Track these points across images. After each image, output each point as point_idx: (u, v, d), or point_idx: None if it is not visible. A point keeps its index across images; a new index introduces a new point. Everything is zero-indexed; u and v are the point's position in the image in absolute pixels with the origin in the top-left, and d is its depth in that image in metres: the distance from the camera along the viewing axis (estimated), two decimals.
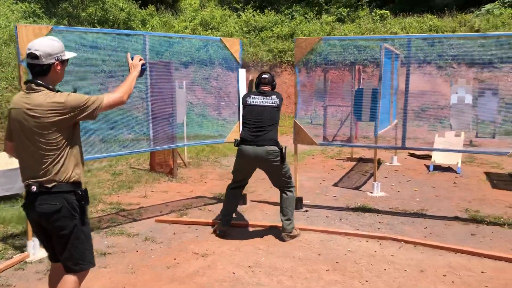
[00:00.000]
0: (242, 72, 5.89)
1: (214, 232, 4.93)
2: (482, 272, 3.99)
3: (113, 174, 7.81)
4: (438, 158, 8.25)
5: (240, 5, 21.65)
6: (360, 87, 9.53)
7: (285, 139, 9.50)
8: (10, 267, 4.10)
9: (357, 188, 6.93)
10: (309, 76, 17.19)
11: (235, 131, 5.96)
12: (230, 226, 4.97)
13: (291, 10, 21.19)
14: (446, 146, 8.01)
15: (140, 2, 18.98)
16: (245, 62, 17.56)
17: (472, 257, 4.30)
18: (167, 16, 19.73)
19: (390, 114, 7.85)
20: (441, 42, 16.05)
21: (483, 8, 19.18)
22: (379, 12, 19.92)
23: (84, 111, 2.66)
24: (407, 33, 17.47)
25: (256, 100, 4.82)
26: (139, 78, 3.08)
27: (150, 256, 4.35)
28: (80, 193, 2.69)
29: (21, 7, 14.79)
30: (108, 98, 2.77)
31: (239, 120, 5.93)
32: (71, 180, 2.67)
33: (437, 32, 17.47)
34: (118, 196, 6.48)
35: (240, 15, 20.66)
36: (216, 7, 21.45)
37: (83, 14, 16.38)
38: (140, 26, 17.96)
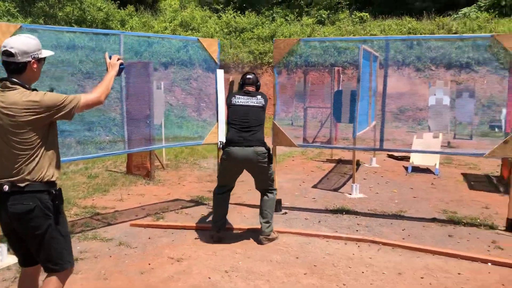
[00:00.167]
0: (220, 73, 5.81)
1: (211, 238, 4.78)
2: (459, 273, 3.98)
3: (89, 177, 7.64)
4: (416, 159, 8.30)
5: (221, 6, 21.57)
6: (340, 88, 9.54)
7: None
8: None
9: (336, 190, 6.91)
10: (290, 77, 17.20)
11: (213, 133, 5.87)
12: (225, 230, 4.85)
13: (271, 11, 21.21)
14: (424, 148, 8.07)
15: (118, 2, 18.73)
16: (225, 63, 17.49)
17: (449, 259, 4.30)
18: (146, 16, 19.54)
19: (368, 116, 7.87)
20: (420, 44, 16.23)
21: (460, 12, 19.51)
22: (358, 15, 20.07)
23: (60, 111, 2.61)
24: (386, 35, 17.62)
25: (241, 100, 4.74)
26: (116, 78, 3.03)
27: (124, 262, 4.23)
28: (54, 192, 2.64)
29: None
30: (85, 98, 2.72)
31: (217, 121, 5.85)
32: (45, 180, 2.61)
33: (415, 35, 17.66)
34: (93, 200, 6.32)
35: (220, 16, 20.58)
36: (197, 8, 21.33)
37: (60, 14, 16.09)
38: (119, 26, 17.73)
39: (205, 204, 6.07)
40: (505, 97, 9.72)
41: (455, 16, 19.29)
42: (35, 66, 2.64)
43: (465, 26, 17.81)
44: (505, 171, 7.35)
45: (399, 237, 4.90)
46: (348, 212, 5.76)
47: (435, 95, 10.86)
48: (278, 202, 5.72)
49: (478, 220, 5.42)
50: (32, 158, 2.58)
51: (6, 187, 2.55)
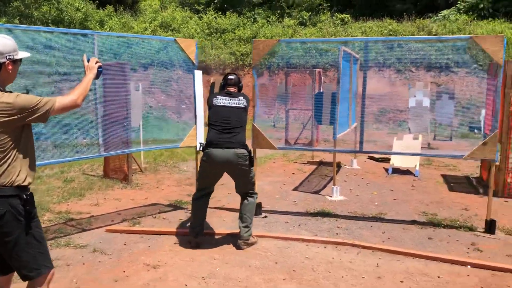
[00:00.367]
0: (198, 74, 5.70)
1: (189, 243, 4.66)
2: (439, 276, 3.95)
3: (65, 181, 7.44)
4: (397, 161, 8.31)
5: (202, 7, 21.42)
6: (320, 90, 9.51)
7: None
8: None
9: (316, 192, 6.86)
10: (272, 79, 17.17)
11: (191, 136, 5.75)
12: (203, 235, 4.73)
13: (253, 13, 21.17)
14: (404, 149, 8.08)
15: (97, 2, 18.44)
16: (207, 65, 17.36)
17: (429, 262, 4.27)
18: (126, 17, 19.28)
19: (349, 118, 7.84)
20: (400, 46, 16.36)
21: (440, 14, 19.75)
22: (340, 17, 20.16)
23: (34, 113, 2.54)
24: (368, 37, 17.72)
25: (222, 101, 4.64)
26: (94, 80, 2.99)
27: (98, 269, 4.09)
28: (25, 197, 2.56)
29: None
30: (61, 100, 2.66)
31: (195, 123, 5.74)
32: (16, 184, 2.53)
33: (396, 36, 17.80)
34: (67, 205, 6.14)
35: (201, 17, 20.45)
36: (177, 9, 21.15)
37: (36, 14, 15.75)
38: (97, 27, 17.46)
39: (184, 209, 5.95)
40: (484, 98, 9.82)
41: (435, 18, 19.51)
42: (10, 67, 2.59)
43: (444, 28, 18.02)
44: (484, 172, 7.39)
45: (379, 240, 4.86)
46: (329, 215, 5.70)
47: (415, 96, 10.94)
48: (258, 205, 5.64)
49: (458, 222, 5.42)
50: (3, 161, 2.50)
51: None
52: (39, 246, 2.63)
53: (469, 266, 4.16)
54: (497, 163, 6.42)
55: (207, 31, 19.44)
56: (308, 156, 9.77)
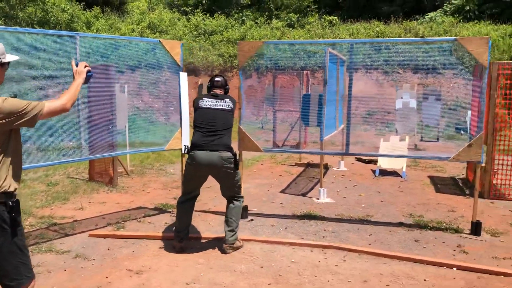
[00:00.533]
0: (183, 76, 5.63)
1: (173, 248, 4.59)
2: (425, 279, 3.93)
3: (49, 185, 7.32)
4: (384, 162, 8.32)
5: (190, 8, 21.32)
6: (308, 92, 9.50)
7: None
8: None
9: (304, 195, 6.82)
10: (260, 80, 17.15)
11: (176, 138, 5.68)
12: (188, 239, 4.67)
13: (241, 14, 21.12)
14: (391, 151, 8.09)
15: (84, 3, 18.26)
16: (195, 66, 17.28)
17: (415, 265, 4.25)
18: (113, 18, 19.11)
19: (336, 119, 7.83)
20: (388, 48, 16.44)
21: (426, 16, 19.89)
22: (328, 19, 20.21)
23: (22, 118, 2.50)
24: (355, 39, 17.78)
25: (208, 103, 4.58)
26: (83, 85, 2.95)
27: (80, 275, 4.01)
28: (11, 204, 2.49)
29: None
30: (49, 105, 2.62)
31: (181, 126, 5.67)
32: (1, 190, 2.47)
33: (383, 38, 17.88)
34: (51, 209, 6.03)
35: (189, 18, 20.35)
36: (165, 10, 21.03)
37: (21, 15, 15.53)
38: (84, 29, 17.28)
39: (169, 212, 5.88)
40: (470, 100, 9.88)
41: (422, 20, 19.66)
42: None
43: (431, 30, 18.15)
44: (470, 173, 7.43)
45: (365, 242, 4.83)
46: (315, 217, 5.67)
47: (402, 98, 10.98)
48: (245, 208, 5.58)
49: (444, 224, 5.42)
50: None
51: None
52: (22, 256, 2.58)
53: (455, 269, 4.15)
54: (483, 165, 6.45)
55: (195, 32, 19.35)
56: (296, 158, 9.74)
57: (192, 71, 17.06)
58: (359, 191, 7.04)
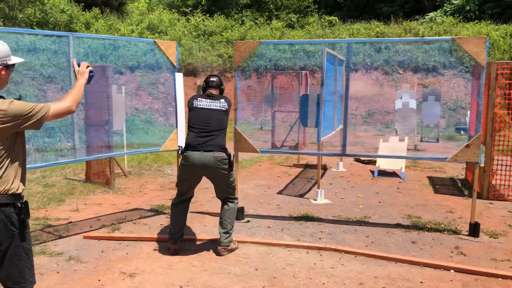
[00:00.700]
0: (179, 76, 5.59)
1: (168, 250, 4.55)
2: (422, 282, 3.88)
3: (45, 186, 7.28)
4: (382, 163, 8.26)
5: (189, 9, 21.29)
6: (306, 92, 9.45)
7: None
8: None
9: (301, 196, 6.78)
10: (259, 81, 17.10)
11: (172, 139, 5.64)
12: (182, 241, 4.62)
13: (241, 15, 21.09)
14: (390, 151, 8.05)
15: (83, 4, 18.24)
16: (194, 67, 17.25)
17: (412, 267, 4.20)
18: (112, 19, 19.08)
19: (334, 120, 7.78)
20: (387, 48, 16.39)
21: (426, 16, 19.84)
22: (327, 19, 20.17)
23: (28, 120, 2.48)
24: (354, 39, 17.73)
25: (203, 103, 4.53)
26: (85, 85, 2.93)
27: (72, 278, 3.96)
28: (20, 205, 2.49)
29: None
30: (55, 107, 2.59)
31: (176, 127, 5.63)
32: (10, 192, 2.47)
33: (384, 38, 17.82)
34: (46, 210, 5.99)
35: (189, 19, 20.32)
36: (164, 11, 21.00)
37: (20, 16, 15.51)
38: (83, 29, 17.26)
39: (165, 214, 5.83)
40: (470, 100, 9.82)
41: (422, 20, 19.61)
42: (3, 73, 2.52)
43: (431, 30, 18.10)
44: (469, 174, 7.37)
45: (362, 244, 4.78)
46: (312, 219, 5.62)
47: (401, 98, 10.93)
48: (241, 209, 5.54)
49: (442, 225, 5.37)
50: None
51: None
52: (27, 260, 2.58)
53: (452, 271, 4.10)
54: (482, 165, 6.40)
55: (194, 33, 19.32)
56: (294, 159, 9.70)
57: (191, 72, 17.03)
58: (357, 192, 6.99)
